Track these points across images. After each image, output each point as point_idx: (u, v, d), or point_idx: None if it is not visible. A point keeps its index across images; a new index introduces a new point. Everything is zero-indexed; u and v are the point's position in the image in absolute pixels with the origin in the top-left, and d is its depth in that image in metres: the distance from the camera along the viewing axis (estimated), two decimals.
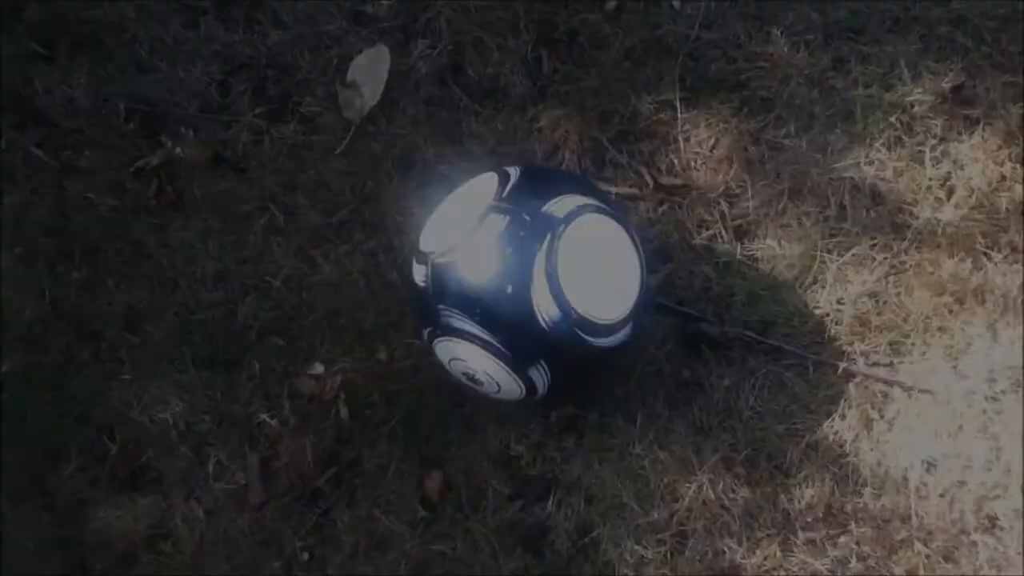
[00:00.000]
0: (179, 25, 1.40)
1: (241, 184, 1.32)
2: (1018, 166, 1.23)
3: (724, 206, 1.25)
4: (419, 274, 1.05)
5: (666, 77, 1.31)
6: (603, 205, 1.07)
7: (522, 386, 1.05)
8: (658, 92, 1.31)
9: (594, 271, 1.03)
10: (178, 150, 1.34)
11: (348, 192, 1.30)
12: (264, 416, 1.20)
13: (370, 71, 1.36)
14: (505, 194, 1.03)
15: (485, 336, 1.01)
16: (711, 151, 1.28)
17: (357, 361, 1.21)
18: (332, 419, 1.19)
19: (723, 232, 1.24)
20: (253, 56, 1.38)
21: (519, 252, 1.00)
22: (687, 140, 1.29)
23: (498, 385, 1.05)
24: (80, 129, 1.37)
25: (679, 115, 1.29)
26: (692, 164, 1.28)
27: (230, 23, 1.40)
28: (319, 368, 1.21)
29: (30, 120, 1.38)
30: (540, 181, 1.08)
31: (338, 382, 1.20)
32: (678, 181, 1.27)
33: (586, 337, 1.02)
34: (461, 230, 1.03)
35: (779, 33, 1.31)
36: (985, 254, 1.19)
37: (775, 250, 1.23)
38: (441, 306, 1.02)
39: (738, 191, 1.26)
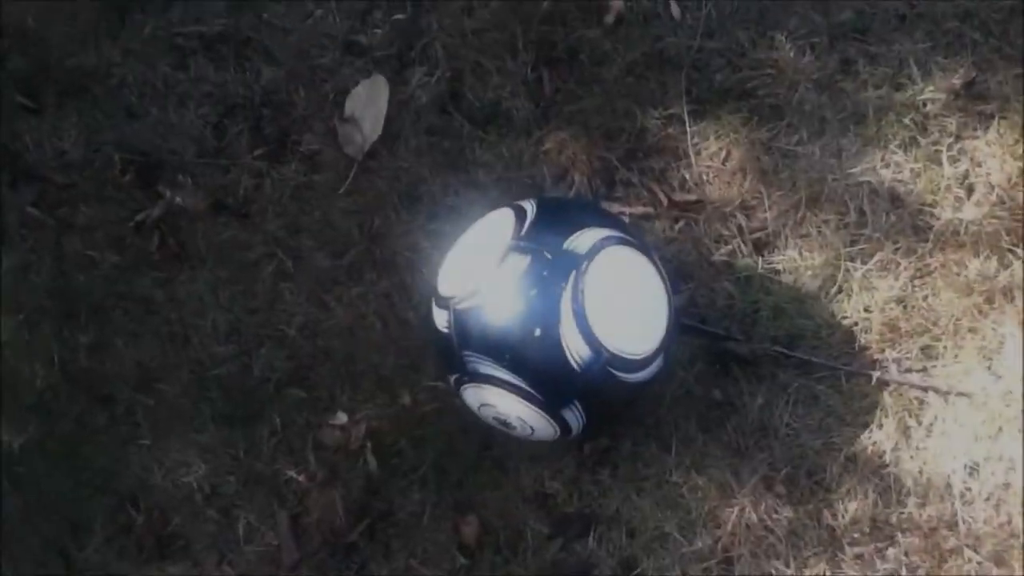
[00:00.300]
0: (167, 67, 1.39)
1: (245, 230, 1.31)
2: None
3: (741, 219, 1.25)
4: (441, 319, 1.05)
5: (671, 90, 1.31)
6: (624, 235, 1.06)
7: (556, 427, 1.05)
8: (664, 106, 1.30)
9: (622, 306, 1.03)
10: (177, 199, 1.34)
11: (356, 231, 1.30)
12: (290, 472, 1.19)
13: (368, 103, 1.35)
14: (524, 232, 1.03)
15: (516, 381, 1.01)
16: (723, 163, 1.28)
17: (380, 408, 1.21)
18: (360, 469, 1.19)
19: (742, 246, 1.24)
20: (247, 95, 1.37)
21: (544, 293, 0.99)
22: (698, 154, 1.29)
23: (531, 428, 1.05)
24: (74, 184, 1.36)
25: (688, 128, 1.29)
26: (705, 178, 1.28)
27: (220, 62, 1.39)
28: (342, 418, 1.21)
29: (22, 177, 1.37)
30: (558, 215, 1.07)
31: (363, 431, 1.20)
32: (692, 197, 1.27)
33: (619, 374, 1.02)
34: (481, 273, 1.03)
35: (783, 38, 1.31)
36: (1010, 251, 1.20)
37: (797, 261, 1.23)
38: (467, 352, 1.02)
39: (754, 203, 1.26)
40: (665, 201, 1.27)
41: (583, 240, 1.02)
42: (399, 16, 1.38)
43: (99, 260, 1.32)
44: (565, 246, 1.01)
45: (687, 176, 1.28)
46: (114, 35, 1.41)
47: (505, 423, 1.06)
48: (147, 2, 1.42)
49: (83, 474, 1.22)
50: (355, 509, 1.17)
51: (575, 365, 1.00)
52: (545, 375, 1.01)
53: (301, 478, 1.19)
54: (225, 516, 1.19)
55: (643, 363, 1.03)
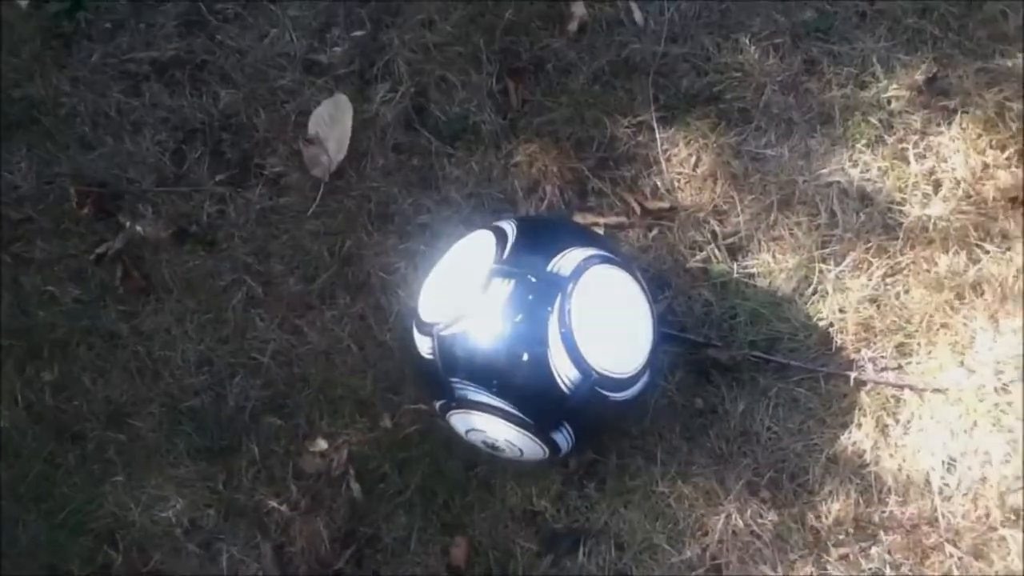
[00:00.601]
0: (119, 94, 1.43)
1: (211, 258, 1.36)
2: (999, 153, 1.33)
3: (714, 224, 1.33)
4: (424, 346, 1.10)
5: (639, 97, 1.38)
6: (606, 253, 1.12)
7: (546, 449, 1.11)
8: (633, 114, 1.37)
9: (609, 326, 1.08)
10: (138, 229, 1.38)
11: (326, 254, 1.35)
12: (272, 502, 1.24)
13: (332, 123, 1.40)
14: (506, 256, 1.07)
15: (505, 406, 1.06)
16: (694, 169, 1.35)
17: (361, 432, 1.27)
18: (343, 496, 1.24)
19: (716, 252, 1.31)
20: (205, 120, 1.41)
21: (530, 317, 1.03)
22: (668, 160, 1.36)
23: (521, 451, 1.11)
24: (29, 218, 1.40)
25: (657, 135, 1.36)
26: (676, 184, 1.35)
27: (175, 87, 1.43)
28: (322, 444, 1.26)
29: None
30: (540, 236, 1.12)
31: (344, 456, 1.25)
32: (665, 204, 1.34)
33: (608, 394, 1.08)
34: (464, 298, 1.07)
35: (747, 40, 1.39)
36: (978, 246, 1.28)
37: (771, 265, 1.31)
38: (453, 379, 1.07)
39: (726, 207, 1.33)
40: (638, 210, 1.34)
41: (567, 261, 1.07)
42: (358, 32, 1.44)
43: (60, 295, 1.36)
44: (549, 268, 1.06)
45: (659, 183, 1.35)
46: (61, 64, 1.45)
47: (493, 447, 1.12)
48: (93, 29, 1.46)
49: (58, 515, 1.26)
50: (340, 536, 1.23)
51: (565, 388, 1.05)
52: (534, 400, 1.06)
53: (283, 507, 1.24)
54: (207, 550, 1.24)
55: (631, 381, 1.10)
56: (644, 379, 1.11)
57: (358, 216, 1.35)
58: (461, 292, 1.07)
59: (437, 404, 1.12)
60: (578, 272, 1.06)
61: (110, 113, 1.42)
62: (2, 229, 1.39)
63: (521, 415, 1.06)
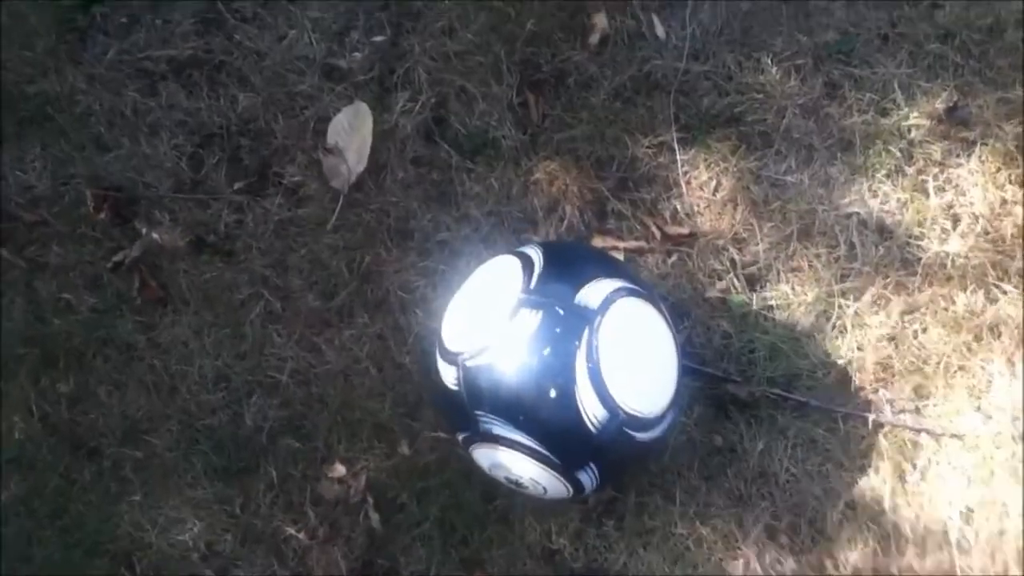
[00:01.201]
0: (135, 92, 1.06)
1: (229, 270, 1.00)
2: (1018, 188, 0.97)
3: (733, 252, 0.99)
4: (448, 376, 0.80)
5: (659, 115, 1.03)
6: (632, 285, 0.83)
7: (570, 488, 0.83)
8: (653, 133, 1.02)
9: (635, 363, 0.80)
10: (155, 236, 0.99)
11: (345, 270, 0.99)
12: (290, 529, 0.93)
13: (352, 132, 1.03)
14: (533, 285, 0.79)
15: (531, 443, 0.78)
16: (714, 194, 1.00)
17: (379, 458, 0.95)
18: (362, 525, 0.93)
19: (736, 281, 0.98)
20: (223, 124, 1.05)
21: (558, 351, 0.76)
22: (688, 183, 1.00)
23: (544, 489, 0.84)
24: (44, 221, 1.03)
25: (678, 157, 1.01)
26: (696, 209, 1.00)
27: (192, 88, 1.05)
28: (340, 469, 0.94)
29: None
30: (566, 264, 0.83)
31: (363, 483, 0.94)
32: (684, 230, 1.00)
33: (634, 434, 0.80)
34: (491, 328, 0.78)
35: (769, 60, 1.03)
36: (996, 285, 0.96)
37: (790, 297, 0.97)
38: (478, 412, 0.79)
39: (745, 235, 0.99)
40: (658, 234, 0.99)
41: (595, 293, 0.79)
42: (378, 38, 1.05)
43: (76, 303, 1.01)
44: (576, 300, 0.78)
45: (678, 207, 1.00)
46: (76, 60, 1.05)
47: (517, 483, 0.84)
48: (108, 24, 1.05)
49: (73, 534, 0.94)
50: (358, 568, 0.93)
51: (592, 427, 0.77)
52: (561, 437, 0.78)
53: (301, 535, 0.92)
54: None
55: (657, 421, 0.81)
56: (669, 418, 0.84)
57: (377, 231, 0.99)
58: (487, 321, 0.79)
59: (460, 436, 0.84)
60: (606, 305, 0.79)
61: (126, 113, 1.04)
62: (16, 232, 1.01)
63: (547, 453, 0.79)
